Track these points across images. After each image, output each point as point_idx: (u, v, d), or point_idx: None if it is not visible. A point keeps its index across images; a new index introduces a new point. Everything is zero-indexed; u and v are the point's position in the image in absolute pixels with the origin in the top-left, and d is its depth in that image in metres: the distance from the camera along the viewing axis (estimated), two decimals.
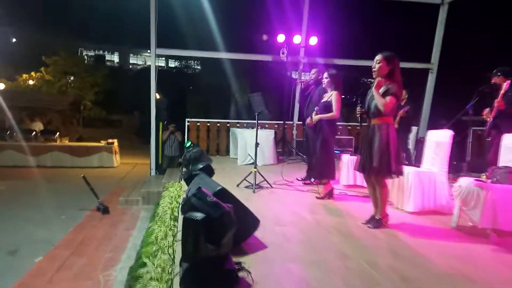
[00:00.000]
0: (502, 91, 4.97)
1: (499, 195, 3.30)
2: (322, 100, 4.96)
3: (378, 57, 3.51)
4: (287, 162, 8.61)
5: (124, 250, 4.86)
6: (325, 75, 4.92)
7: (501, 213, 3.28)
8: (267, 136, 8.18)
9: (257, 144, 5.47)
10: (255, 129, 7.38)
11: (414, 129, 8.98)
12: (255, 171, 5.33)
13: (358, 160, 3.74)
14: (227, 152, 9.68)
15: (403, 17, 11.54)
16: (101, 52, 36.38)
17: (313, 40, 9.62)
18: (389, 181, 3.75)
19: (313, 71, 6.04)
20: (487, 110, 5.36)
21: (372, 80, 3.65)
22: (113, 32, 27.86)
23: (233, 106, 16.88)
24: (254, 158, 5.58)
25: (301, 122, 9.61)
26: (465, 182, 3.56)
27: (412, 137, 9.06)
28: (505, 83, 5.01)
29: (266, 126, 9.79)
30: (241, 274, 2.42)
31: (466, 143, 8.76)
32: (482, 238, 3.34)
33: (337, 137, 9.90)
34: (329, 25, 11.11)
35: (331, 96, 4.81)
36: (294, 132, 10.34)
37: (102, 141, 12.67)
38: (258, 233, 3.14)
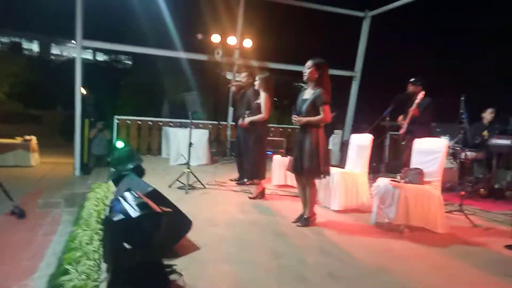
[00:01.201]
0: (417, 100, 5.48)
1: (411, 194, 3.67)
2: (255, 102, 5.08)
3: (309, 63, 3.70)
4: (221, 162, 8.65)
5: (43, 257, 4.49)
6: (257, 78, 5.07)
7: (412, 209, 3.66)
8: (201, 136, 8.12)
9: (190, 144, 5.42)
10: (188, 129, 7.33)
11: (338, 132, 9.59)
12: (188, 171, 5.27)
13: (290, 161, 3.91)
14: (159, 152, 9.42)
15: (331, 26, 12.23)
16: (17, 39, 32.92)
17: (248, 43, 9.77)
18: (317, 181, 3.98)
19: (243, 74, 6.15)
20: (401, 116, 5.90)
21: (303, 84, 3.84)
22: (32, 18, 25.34)
23: (166, 104, 16.44)
24: (187, 158, 5.51)
25: (234, 123, 9.71)
26: (383, 182, 3.90)
27: (337, 140, 9.66)
28: (421, 92, 5.54)
29: (201, 126, 9.72)
30: (172, 277, 2.40)
31: (384, 146, 9.55)
32: (397, 233, 3.68)
33: (269, 138, 10.18)
34: (263, 29, 11.37)
35: (262, 98, 4.96)
36: (229, 132, 10.40)
37: (17, 138, 11.52)
38: (191, 235, 3.12)
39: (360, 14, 10.92)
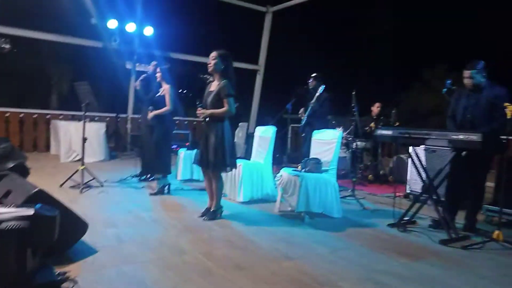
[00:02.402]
0: (316, 93, 5.80)
1: (310, 182, 3.90)
2: (157, 95, 4.85)
3: (214, 54, 3.64)
4: (121, 158, 8.12)
5: None
6: (158, 69, 4.85)
7: (312, 197, 3.89)
8: (96, 130, 7.51)
9: (84, 139, 4.94)
10: (82, 122, 6.67)
11: (243, 125, 9.76)
12: (82, 168, 4.81)
13: (196, 154, 3.83)
14: (47, 148, 8.45)
15: (236, 19, 12.34)
16: None
17: (148, 31, 9.27)
18: (223, 174, 3.97)
19: (153, 63, 5.84)
20: (302, 109, 6.21)
21: (209, 76, 3.77)
22: None
23: (55, 95, 14.72)
24: (81, 154, 5.03)
25: (136, 116, 9.19)
26: (285, 172, 4.07)
27: (242, 132, 9.82)
28: (320, 87, 5.87)
29: (96, 119, 8.97)
30: (65, 285, 2.16)
31: (286, 138, 10.03)
32: (299, 220, 3.88)
33: (174, 131, 9.88)
34: (165, 17, 10.93)
35: (164, 90, 4.76)
36: (129, 126, 9.81)
37: None
38: (87, 238, 2.85)
39: (262, 8, 11.21)
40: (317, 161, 4.12)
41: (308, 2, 9.87)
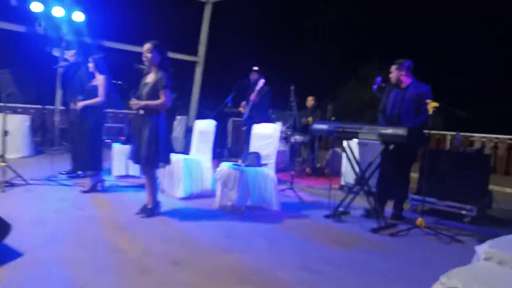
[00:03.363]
0: (258, 87, 5.82)
1: (250, 176, 3.93)
2: (89, 85, 4.55)
3: (148, 46, 3.50)
4: (49, 153, 7.52)
5: None
6: (91, 58, 4.54)
7: (252, 191, 3.93)
8: (20, 123, 6.90)
9: (5, 133, 4.50)
10: (1, 114, 6.07)
11: (182, 118, 9.56)
12: (3, 165, 4.38)
13: (131, 149, 3.67)
14: None
15: (175, 9, 11.98)
16: None
17: (78, 16, 8.65)
18: (160, 169, 3.85)
19: (71, 52, 5.47)
20: (243, 103, 6.22)
21: (145, 67, 3.62)
22: None
23: None
24: (1, 150, 4.57)
25: (64, 107, 8.57)
26: (225, 166, 4.06)
27: (181, 125, 9.62)
28: (261, 80, 5.88)
29: (19, 110, 8.21)
30: None
31: (227, 132, 10.02)
32: (239, 214, 3.89)
33: (107, 125, 9.37)
34: (98, 2, 10.26)
35: (97, 80, 4.48)
36: (57, 118, 9.12)
37: None
38: (10, 240, 2.60)
39: None
40: (257, 155, 4.16)
41: None
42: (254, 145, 4.46)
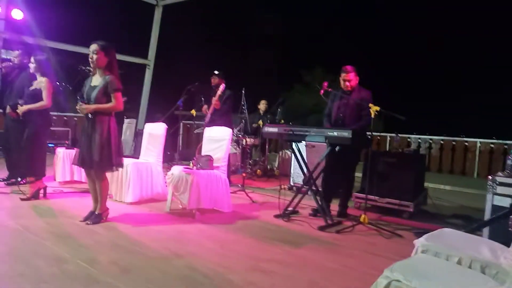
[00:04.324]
0: (219, 92, 5.74)
1: (202, 179, 3.93)
2: (31, 88, 4.30)
3: (95, 47, 3.39)
4: None
5: None
6: (32, 59, 4.30)
7: (203, 194, 3.93)
8: None
9: None
10: None
11: (131, 121, 9.31)
12: None
13: (77, 154, 3.52)
14: None
15: (125, 10, 11.64)
16: None
17: (17, 14, 8.12)
18: (109, 174, 3.73)
19: (16, 53, 5.13)
20: (205, 106, 6.09)
21: (90, 69, 3.50)
22: None
23: None
24: None
25: (1, 111, 8.00)
26: (176, 170, 4.03)
27: (131, 129, 9.36)
28: (222, 84, 5.82)
29: None
30: None
31: (177, 135, 9.88)
32: (190, 218, 3.88)
33: (51, 128, 8.88)
34: (40, 1, 9.72)
35: (41, 83, 4.25)
36: None
37: None
38: None
39: (152, 1, 10.80)
40: (209, 158, 4.18)
41: None
42: (206, 148, 4.47)
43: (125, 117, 8.90)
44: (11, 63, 5.16)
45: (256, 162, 7.37)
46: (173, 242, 3.16)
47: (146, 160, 4.70)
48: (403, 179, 4.49)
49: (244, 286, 2.42)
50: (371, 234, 3.71)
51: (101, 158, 3.34)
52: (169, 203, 4.12)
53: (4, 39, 8.33)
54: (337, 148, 3.96)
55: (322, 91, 4.18)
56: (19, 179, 4.72)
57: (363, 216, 3.89)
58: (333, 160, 4.12)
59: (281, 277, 2.59)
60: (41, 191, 4.30)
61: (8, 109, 4.55)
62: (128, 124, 9.04)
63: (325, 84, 4.21)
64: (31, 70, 4.31)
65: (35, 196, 4.22)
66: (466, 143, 9.69)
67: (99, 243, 3.03)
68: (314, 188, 4.14)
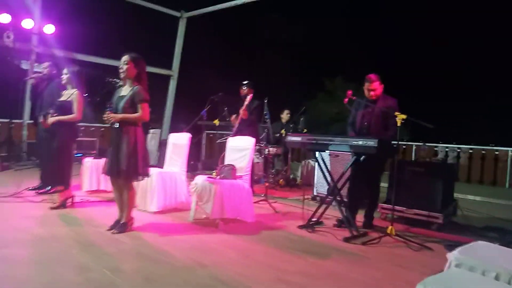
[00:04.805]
0: (246, 102, 5.73)
1: (225, 189, 3.93)
2: (60, 99, 4.44)
3: (125, 58, 3.48)
4: (15, 169, 7.25)
5: None
6: (65, 71, 4.43)
7: (227, 203, 3.92)
8: None
9: None
10: None
11: (156, 131, 9.47)
12: None
13: (105, 163, 3.60)
14: None
15: (149, 22, 11.94)
16: None
17: (49, 29, 8.50)
18: (134, 183, 3.78)
19: (45, 64, 5.34)
20: (234, 116, 6.09)
21: (118, 80, 3.59)
22: None
23: None
24: None
25: (33, 121, 8.31)
26: (200, 179, 4.04)
27: (155, 139, 9.52)
28: (249, 95, 5.84)
29: None
30: None
31: (201, 145, 9.98)
32: (213, 227, 3.87)
33: (78, 139, 9.13)
34: (70, 15, 10.11)
35: (72, 95, 4.37)
36: (25, 133, 8.83)
37: None
38: None
39: (176, 13, 11.05)
40: (232, 167, 4.17)
41: (222, 10, 10.01)
42: (229, 158, 4.48)
43: (150, 127, 9.09)
44: (40, 74, 5.37)
45: (279, 171, 7.32)
46: (197, 251, 3.15)
47: (170, 170, 4.75)
48: (432, 189, 4.35)
49: None
50: (399, 246, 3.59)
51: (128, 167, 3.40)
52: (192, 212, 4.13)
53: (37, 53, 8.71)
54: (362, 158, 3.87)
55: (346, 100, 4.11)
56: (49, 188, 4.85)
57: (390, 227, 3.77)
58: (358, 170, 4.03)
59: None
60: (69, 200, 4.40)
61: (40, 119, 4.71)
62: (152, 134, 9.20)
63: (349, 92, 4.15)
64: (63, 82, 4.43)
65: (63, 205, 4.32)
66: (496, 152, 9.32)
67: (123, 252, 3.06)
68: (339, 198, 4.06)
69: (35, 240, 3.23)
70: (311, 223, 4.10)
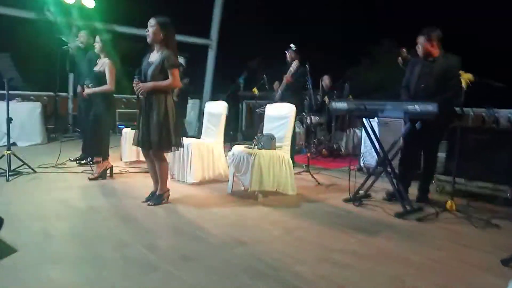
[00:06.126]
0: (291, 68, 5.25)
1: (263, 160, 3.67)
2: (95, 69, 4.32)
3: (152, 21, 3.24)
4: (61, 140, 7.44)
5: None
6: (97, 38, 4.29)
7: (266, 175, 3.67)
8: (31, 110, 6.82)
9: (9, 120, 4.35)
10: (14, 101, 6.02)
11: (196, 101, 9.33)
12: (8, 153, 4.24)
13: (136, 134, 3.45)
14: None
15: None
16: None
17: (89, 2, 8.43)
18: (170, 154, 3.63)
19: (82, 33, 5.26)
20: (276, 83, 5.77)
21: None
22: None
23: None
24: (7, 137, 4.44)
25: (74, 93, 8.46)
26: (237, 150, 3.81)
27: (195, 110, 9.40)
28: (296, 60, 5.34)
29: (32, 97, 8.14)
30: None
31: (240, 114, 9.73)
32: (252, 200, 3.66)
33: (120, 110, 9.23)
34: None
35: (104, 65, 4.24)
36: (70, 105, 9.06)
37: None
38: (5, 235, 2.45)
39: None
40: (271, 137, 3.89)
41: None
42: (268, 127, 4.20)
43: (189, 98, 8.96)
44: (77, 45, 5.29)
45: (321, 141, 6.95)
46: (235, 227, 2.96)
47: (207, 140, 4.56)
48: (498, 159, 3.82)
49: (314, 280, 2.13)
50: (460, 223, 3.19)
51: (159, 138, 3.22)
52: (230, 184, 3.94)
53: (77, 26, 8.73)
54: (417, 125, 3.43)
55: (400, 58, 3.63)
56: (89, 159, 4.86)
57: (449, 201, 3.37)
58: (413, 138, 3.60)
59: (357, 271, 2.25)
60: (108, 171, 4.37)
61: (78, 89, 4.66)
62: (192, 105, 9.09)
63: (403, 49, 3.66)
64: (96, 50, 4.31)
65: (102, 176, 4.30)
66: None
67: (159, 227, 2.93)
68: (389, 169, 3.67)
69: (74, 212, 3.19)
70: (358, 196, 3.78)
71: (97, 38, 4.28)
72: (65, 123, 8.68)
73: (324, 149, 6.66)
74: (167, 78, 3.23)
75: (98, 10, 8.72)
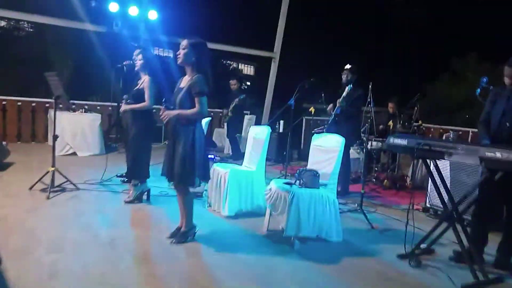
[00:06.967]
0: (346, 90, 4.85)
1: (303, 200, 3.19)
2: (136, 87, 4.21)
3: (184, 43, 2.98)
4: (119, 151, 7.62)
5: None
6: (139, 56, 4.16)
7: (305, 218, 3.19)
8: (91, 122, 7.04)
9: (55, 137, 4.39)
10: (77, 112, 6.24)
11: (252, 117, 9.04)
12: (52, 170, 4.28)
13: (164, 165, 3.18)
14: (47, 138, 8.07)
15: (249, 4, 11.55)
16: None
17: (153, 15, 8.66)
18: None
19: (136, 52, 5.21)
20: (331, 105, 5.30)
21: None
22: None
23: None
24: (54, 151, 4.49)
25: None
26: (276, 184, 3.38)
27: (251, 125, 9.10)
28: (350, 84, 4.86)
29: (98, 107, 8.55)
30: None
31: (300, 130, 9.25)
32: (288, 246, 3.18)
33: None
34: (171, 1, 10.28)
35: (143, 83, 4.10)
36: None
37: None
38: (11, 268, 2.32)
39: None
40: (314, 173, 3.39)
41: None
42: (313, 160, 3.70)
43: (245, 113, 8.72)
44: (131, 62, 5.28)
45: (384, 168, 6.20)
46: (258, 283, 2.53)
47: (248, 168, 4.20)
48: None
49: None
50: None
51: (182, 171, 2.92)
52: (266, 222, 3.52)
53: (142, 39, 9.01)
54: (497, 176, 2.71)
55: (479, 90, 2.94)
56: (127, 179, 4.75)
57: None
58: (492, 189, 2.86)
59: None
60: (144, 193, 4.21)
61: (121, 107, 4.60)
62: (248, 121, 8.82)
63: (484, 79, 2.96)
64: (136, 68, 4.20)
65: (138, 198, 4.14)
66: None
67: (172, 273, 2.59)
68: (458, 225, 2.97)
69: (92, 244, 2.99)
70: (417, 252, 3.12)
71: (140, 55, 4.16)
72: (126, 134, 8.95)
73: (386, 180, 5.92)
74: (194, 105, 2.93)
75: (161, 23, 8.91)
